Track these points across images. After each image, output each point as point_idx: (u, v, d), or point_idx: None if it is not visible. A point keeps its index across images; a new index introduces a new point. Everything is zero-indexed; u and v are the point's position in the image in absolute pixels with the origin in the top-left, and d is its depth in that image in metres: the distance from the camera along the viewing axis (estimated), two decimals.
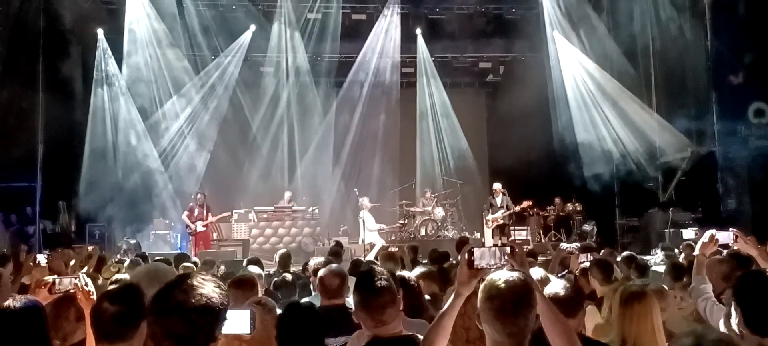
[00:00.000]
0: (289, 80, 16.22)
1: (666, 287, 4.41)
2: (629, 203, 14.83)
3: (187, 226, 13.46)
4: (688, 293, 4.24)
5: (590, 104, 14.72)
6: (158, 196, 14.90)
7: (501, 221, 13.98)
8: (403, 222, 14.70)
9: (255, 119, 16.30)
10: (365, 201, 14.28)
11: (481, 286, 2.44)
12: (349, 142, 16.55)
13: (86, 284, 3.15)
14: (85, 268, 7.21)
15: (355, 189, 15.05)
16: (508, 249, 2.51)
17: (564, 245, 6.61)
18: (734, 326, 2.61)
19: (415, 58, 16.55)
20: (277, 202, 14.47)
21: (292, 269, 7.36)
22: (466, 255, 2.46)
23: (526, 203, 13.94)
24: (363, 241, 13.71)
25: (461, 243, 8.44)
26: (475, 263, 2.43)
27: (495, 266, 2.45)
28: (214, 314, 2.07)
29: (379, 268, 3.14)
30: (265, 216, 14.16)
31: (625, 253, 7.07)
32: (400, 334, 2.80)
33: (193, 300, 2.02)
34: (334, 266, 4.22)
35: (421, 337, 2.61)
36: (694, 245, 5.37)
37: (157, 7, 14.97)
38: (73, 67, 13.90)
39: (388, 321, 2.74)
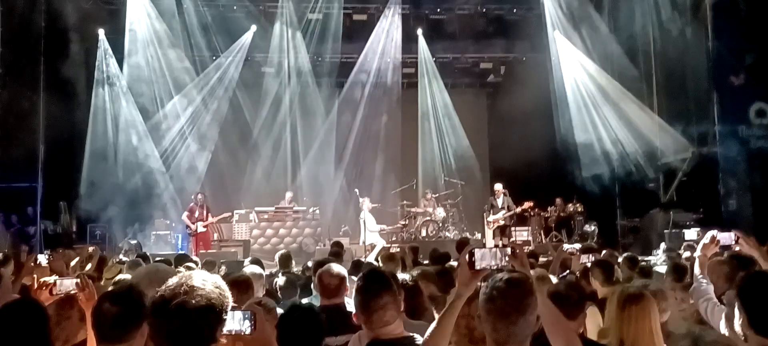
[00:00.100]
0: (290, 81, 16.22)
1: (667, 288, 4.40)
2: (630, 204, 14.83)
3: (188, 226, 13.47)
4: (690, 294, 4.24)
5: (591, 105, 14.71)
6: (159, 196, 14.91)
7: (502, 222, 13.98)
8: (404, 223, 14.70)
9: (256, 120, 16.30)
10: (366, 202, 14.28)
11: (482, 287, 2.44)
12: (350, 142, 16.55)
13: (87, 285, 3.15)
14: (88, 266, 7.22)
15: (356, 190, 15.04)
16: (509, 250, 2.51)
17: (566, 246, 6.61)
18: (737, 328, 2.61)
19: (417, 58, 16.56)
20: (278, 202, 14.47)
21: (295, 269, 7.37)
22: (467, 256, 2.46)
23: (527, 204, 13.94)
24: (364, 242, 13.70)
25: (462, 244, 8.43)
26: (476, 264, 2.43)
27: (496, 267, 2.45)
28: (215, 315, 2.06)
29: (380, 269, 3.14)
30: (266, 216, 14.16)
31: (626, 254, 7.07)
32: (401, 335, 2.80)
33: (194, 301, 2.02)
34: (332, 265, 4.23)
35: (421, 339, 2.61)
36: (695, 245, 5.37)
37: (158, 8, 14.98)
38: (74, 68, 13.90)
39: (389, 322, 2.75)
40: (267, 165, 16.09)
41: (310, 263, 7.55)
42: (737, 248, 4.15)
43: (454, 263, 5.88)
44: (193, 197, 13.82)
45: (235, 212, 14.22)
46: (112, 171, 14.72)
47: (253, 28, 15.65)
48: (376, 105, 16.62)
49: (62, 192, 14.20)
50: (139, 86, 15.13)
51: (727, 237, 4.10)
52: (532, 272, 2.80)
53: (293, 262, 7.56)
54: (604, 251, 7.32)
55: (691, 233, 9.76)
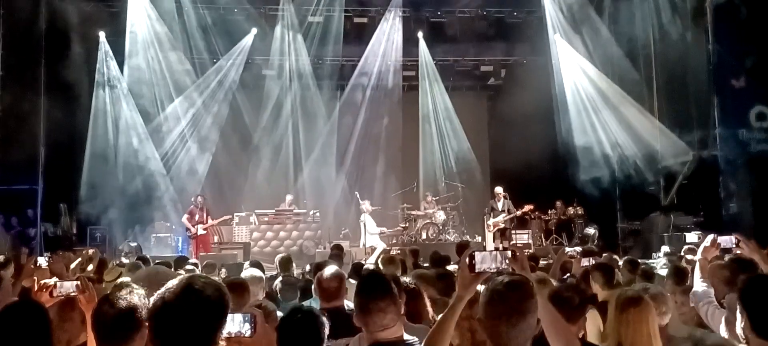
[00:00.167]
0: (291, 83, 16.23)
1: (668, 291, 4.40)
2: (631, 207, 14.83)
3: (187, 229, 13.47)
4: (690, 297, 4.24)
5: (591, 108, 14.71)
6: (159, 198, 14.91)
7: (502, 225, 13.97)
8: (404, 225, 14.70)
9: (257, 122, 16.31)
10: (366, 204, 14.28)
11: (482, 290, 2.43)
12: (351, 145, 16.58)
13: (87, 287, 3.15)
14: (89, 266, 7.22)
15: (356, 192, 15.04)
16: (509, 253, 2.50)
17: (567, 249, 6.60)
18: (739, 331, 2.61)
19: (417, 61, 16.57)
20: (278, 205, 14.47)
21: (295, 272, 7.37)
22: (467, 259, 2.46)
23: (527, 207, 13.94)
24: (364, 244, 13.70)
25: (461, 247, 8.43)
26: (476, 266, 2.42)
27: (496, 270, 2.45)
28: (215, 317, 2.07)
29: (380, 272, 3.14)
30: (266, 219, 14.17)
31: (627, 257, 7.06)
32: (401, 339, 2.80)
33: (194, 304, 2.02)
34: (331, 268, 4.23)
35: (421, 343, 2.61)
36: (695, 249, 5.36)
37: (159, 10, 14.99)
38: (75, 70, 13.90)
39: (389, 325, 2.74)
40: (267, 168, 16.09)
41: (308, 266, 7.57)
42: (738, 252, 4.15)
43: (454, 266, 5.88)
44: (192, 199, 13.81)
45: (236, 214, 14.22)
46: (113, 173, 14.72)
47: (254, 30, 15.66)
48: (377, 108, 16.64)
49: (62, 194, 14.19)
50: (139, 89, 15.13)
51: (727, 240, 4.10)
52: (532, 275, 2.80)
53: (293, 265, 7.56)
54: (604, 254, 7.32)
55: (691, 237, 9.73)
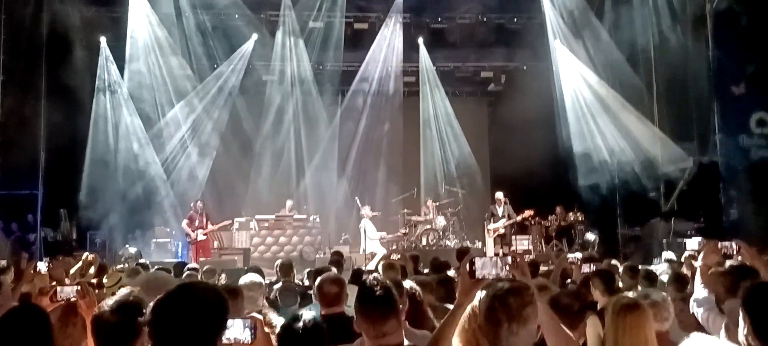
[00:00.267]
0: (292, 89, 16.25)
1: (668, 297, 4.39)
2: (631, 213, 14.81)
3: (187, 234, 13.46)
4: (691, 303, 4.23)
5: (591, 114, 14.71)
6: (160, 204, 14.90)
7: (502, 230, 13.96)
8: (404, 231, 14.69)
9: (257, 127, 16.32)
10: (366, 210, 14.28)
11: (483, 296, 2.43)
12: (352, 150, 16.59)
13: (88, 293, 3.15)
14: (91, 270, 7.22)
15: (357, 197, 15.04)
16: (509, 259, 2.50)
17: (570, 255, 6.60)
18: (741, 337, 2.61)
19: (418, 67, 16.60)
20: (279, 211, 14.48)
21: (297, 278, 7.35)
22: (468, 265, 2.45)
23: (527, 213, 13.93)
24: (364, 250, 13.69)
25: (461, 253, 8.42)
26: (477, 272, 2.42)
27: (496, 276, 2.44)
28: (215, 323, 2.07)
29: (381, 278, 3.14)
30: (266, 225, 14.17)
31: (627, 263, 7.05)
32: (402, 345, 2.79)
33: (193, 309, 2.02)
34: (332, 274, 4.23)
35: None
36: (696, 255, 5.36)
37: (160, 16, 15.01)
38: (76, 75, 13.92)
39: (389, 332, 2.73)
40: (268, 173, 16.10)
41: (306, 272, 7.56)
42: (738, 258, 4.15)
43: (454, 272, 5.88)
44: (192, 205, 13.81)
45: (236, 220, 14.22)
46: (113, 178, 14.71)
47: (255, 36, 15.68)
48: (378, 113, 16.66)
49: (63, 199, 14.19)
50: (140, 94, 15.14)
51: (728, 247, 4.10)
52: (532, 281, 2.79)
53: (294, 271, 7.54)
54: (604, 261, 7.32)
55: (692, 243, 9.74)
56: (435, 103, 16.84)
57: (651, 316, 3.23)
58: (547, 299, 3.28)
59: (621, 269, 6.34)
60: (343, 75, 16.55)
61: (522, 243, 14.13)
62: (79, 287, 3.19)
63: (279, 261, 7.36)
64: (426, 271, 7.33)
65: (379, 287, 2.83)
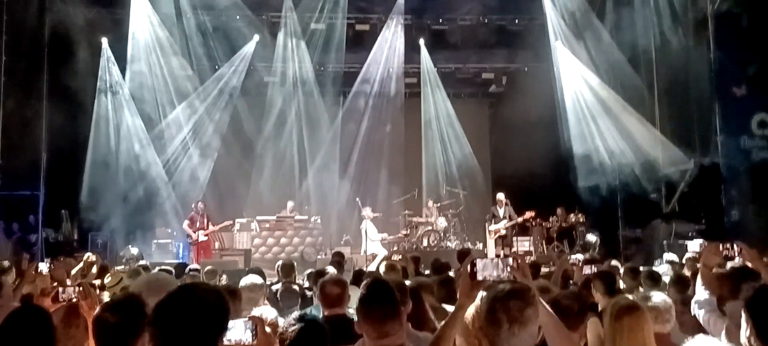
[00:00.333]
0: (294, 90, 16.26)
1: (669, 299, 4.39)
2: (632, 214, 14.79)
3: (188, 235, 13.47)
4: (692, 305, 4.23)
5: (592, 115, 14.70)
6: (161, 205, 14.92)
7: (503, 232, 13.96)
8: (405, 232, 14.68)
9: (259, 128, 16.34)
10: (367, 211, 14.28)
11: (484, 297, 2.43)
12: (354, 151, 16.60)
13: (90, 294, 3.15)
14: (93, 270, 7.22)
15: (358, 199, 15.05)
16: (510, 260, 2.50)
17: (574, 256, 6.60)
18: (743, 340, 2.61)
19: (419, 68, 16.61)
20: (280, 212, 14.49)
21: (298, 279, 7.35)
22: (469, 266, 2.46)
23: (528, 214, 13.92)
24: (365, 251, 13.69)
25: (462, 254, 8.42)
26: (478, 274, 2.42)
27: (497, 278, 2.45)
28: (216, 324, 2.07)
29: (382, 279, 3.14)
30: (267, 226, 14.17)
31: (628, 265, 7.05)
32: None
33: (194, 310, 2.02)
34: (334, 275, 4.23)
35: None
36: (697, 257, 5.36)
37: (162, 17, 15.02)
38: (77, 76, 13.92)
39: (391, 333, 2.73)
40: (269, 174, 16.11)
41: (306, 273, 7.55)
42: (739, 260, 4.15)
43: (453, 273, 5.87)
44: (193, 205, 13.82)
45: (237, 220, 14.22)
46: (114, 179, 14.71)
47: (256, 37, 15.69)
48: (379, 114, 16.68)
49: (64, 200, 14.19)
50: (142, 95, 15.16)
51: (729, 248, 4.10)
52: (533, 282, 2.79)
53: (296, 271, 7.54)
54: (605, 262, 7.32)
55: (693, 245, 9.74)
56: (436, 104, 16.86)
57: (649, 318, 3.23)
58: (548, 300, 3.28)
59: (622, 271, 6.34)
60: (344, 76, 16.58)
61: (523, 244, 14.14)
62: (81, 288, 3.19)
63: (280, 262, 7.36)
64: (427, 272, 7.32)
65: (380, 287, 2.84)
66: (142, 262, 10.02)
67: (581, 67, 14.90)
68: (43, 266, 6.08)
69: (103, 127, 14.92)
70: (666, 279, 5.91)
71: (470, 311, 2.62)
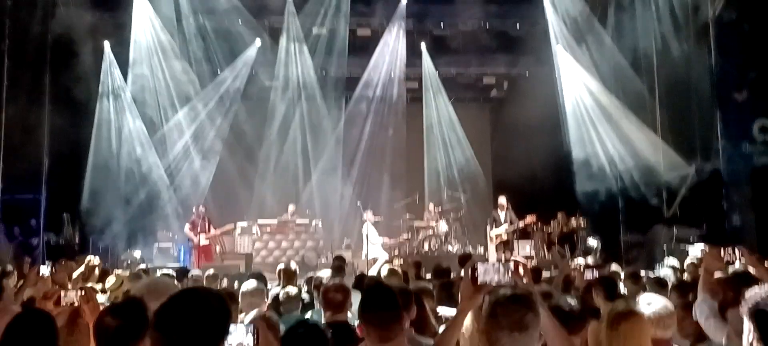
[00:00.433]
0: (296, 95, 16.28)
1: (671, 304, 4.39)
2: (633, 219, 14.76)
3: (190, 239, 13.47)
4: (693, 310, 4.22)
5: (593, 120, 14.70)
6: (162, 209, 14.91)
7: (505, 236, 13.93)
8: (406, 236, 14.67)
9: (260, 133, 16.36)
10: (368, 215, 14.27)
11: (485, 302, 2.43)
12: (356, 156, 16.62)
13: (91, 298, 3.16)
14: (96, 272, 7.23)
15: (359, 202, 15.05)
16: (511, 265, 2.51)
17: (577, 261, 6.60)
18: (745, 344, 2.61)
19: (421, 73, 16.64)
20: (281, 215, 14.49)
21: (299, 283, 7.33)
22: (470, 271, 2.46)
23: (529, 218, 13.89)
24: (366, 255, 13.67)
25: (463, 259, 8.41)
26: (479, 278, 2.43)
27: (499, 282, 2.45)
28: (218, 328, 2.07)
29: (384, 284, 3.14)
30: (268, 229, 14.17)
31: (629, 269, 7.05)
32: None
33: (196, 314, 2.03)
34: (337, 280, 4.23)
35: None
36: (699, 262, 5.35)
37: (164, 21, 15.04)
38: (79, 80, 13.93)
39: (392, 337, 2.74)
40: (271, 178, 16.12)
41: (304, 278, 7.54)
42: (738, 264, 4.15)
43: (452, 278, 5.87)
44: (194, 209, 13.83)
45: (238, 224, 14.22)
46: (116, 183, 14.72)
47: (258, 42, 15.71)
48: (381, 119, 16.71)
49: (66, 204, 14.19)
50: (144, 99, 15.17)
51: (730, 253, 4.10)
52: (534, 287, 2.79)
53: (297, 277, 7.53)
54: (606, 267, 7.31)
55: (695, 250, 9.73)
56: (438, 109, 16.90)
57: (647, 323, 3.23)
58: (549, 305, 3.28)
59: (623, 276, 6.33)
60: (346, 81, 16.61)
61: (524, 249, 14.11)
62: (83, 292, 3.19)
63: (281, 266, 7.36)
64: (428, 276, 7.32)
65: (382, 292, 2.84)
66: (141, 266, 10.02)
67: (582, 72, 14.90)
68: (45, 270, 6.08)
69: (104, 130, 14.93)
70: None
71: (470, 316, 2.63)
